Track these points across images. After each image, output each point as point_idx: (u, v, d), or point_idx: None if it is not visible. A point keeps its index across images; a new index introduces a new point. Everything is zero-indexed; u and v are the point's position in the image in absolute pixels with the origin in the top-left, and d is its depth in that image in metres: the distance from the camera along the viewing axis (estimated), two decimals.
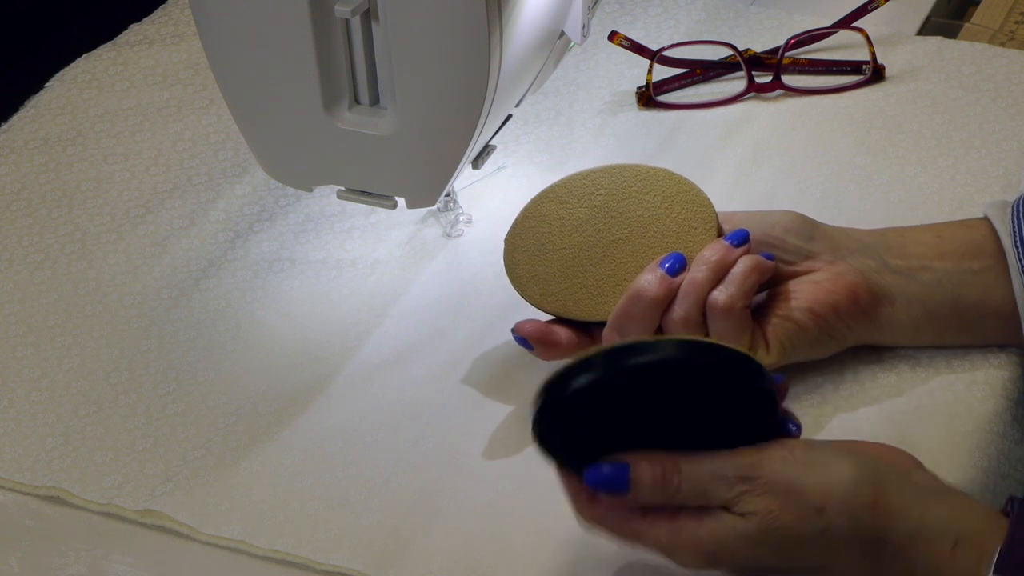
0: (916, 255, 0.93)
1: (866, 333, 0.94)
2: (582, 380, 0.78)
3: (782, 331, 0.91)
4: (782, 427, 0.81)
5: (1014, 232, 0.92)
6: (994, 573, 0.76)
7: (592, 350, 0.79)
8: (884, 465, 0.80)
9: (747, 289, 0.90)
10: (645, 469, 0.79)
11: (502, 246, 0.96)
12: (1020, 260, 0.91)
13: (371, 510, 0.89)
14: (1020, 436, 0.92)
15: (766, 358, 0.91)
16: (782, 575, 0.81)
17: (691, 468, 0.79)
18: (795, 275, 0.93)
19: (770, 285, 0.93)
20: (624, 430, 0.80)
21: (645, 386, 0.78)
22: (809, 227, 0.94)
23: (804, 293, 0.92)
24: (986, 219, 0.94)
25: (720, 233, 0.92)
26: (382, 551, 0.87)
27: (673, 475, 0.79)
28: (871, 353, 0.95)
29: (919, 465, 0.81)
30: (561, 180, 0.96)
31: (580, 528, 0.84)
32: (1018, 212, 0.92)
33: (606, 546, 0.85)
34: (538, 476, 0.89)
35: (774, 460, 0.78)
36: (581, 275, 0.93)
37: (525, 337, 0.93)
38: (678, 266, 0.91)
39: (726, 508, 0.79)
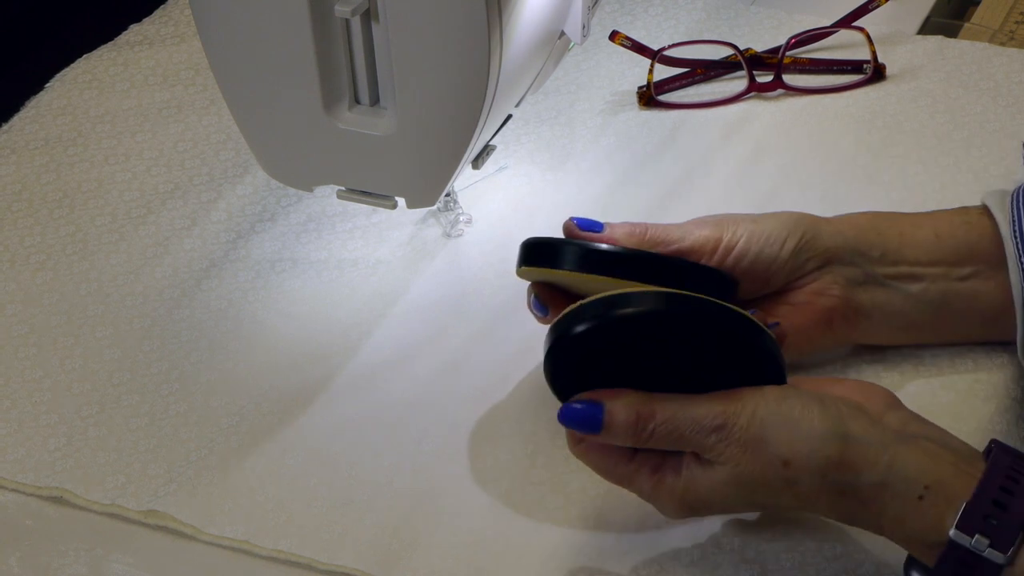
0: (908, 260, 0.93)
1: (837, 345, 0.94)
2: (578, 327, 0.81)
3: None
4: (782, 377, 0.82)
5: (1013, 222, 0.91)
6: (956, 528, 0.76)
7: (592, 297, 0.81)
8: (855, 411, 0.80)
9: None
10: (620, 412, 0.81)
11: (502, 246, 0.95)
12: (1019, 250, 0.90)
13: (374, 510, 0.89)
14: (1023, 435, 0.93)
15: None
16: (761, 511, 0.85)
17: (665, 414, 0.80)
18: (778, 290, 0.93)
19: (750, 298, 0.93)
20: (619, 373, 0.82)
21: (638, 335, 0.81)
22: (805, 238, 0.92)
23: (778, 319, 0.91)
24: (984, 212, 0.93)
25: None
26: (386, 551, 0.87)
27: (647, 421, 0.81)
28: (874, 352, 0.95)
29: (893, 403, 0.82)
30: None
31: (582, 528, 0.84)
32: (1018, 202, 0.92)
33: (609, 546, 0.86)
34: (541, 475, 0.89)
35: (746, 410, 0.80)
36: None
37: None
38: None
39: (698, 455, 0.81)
